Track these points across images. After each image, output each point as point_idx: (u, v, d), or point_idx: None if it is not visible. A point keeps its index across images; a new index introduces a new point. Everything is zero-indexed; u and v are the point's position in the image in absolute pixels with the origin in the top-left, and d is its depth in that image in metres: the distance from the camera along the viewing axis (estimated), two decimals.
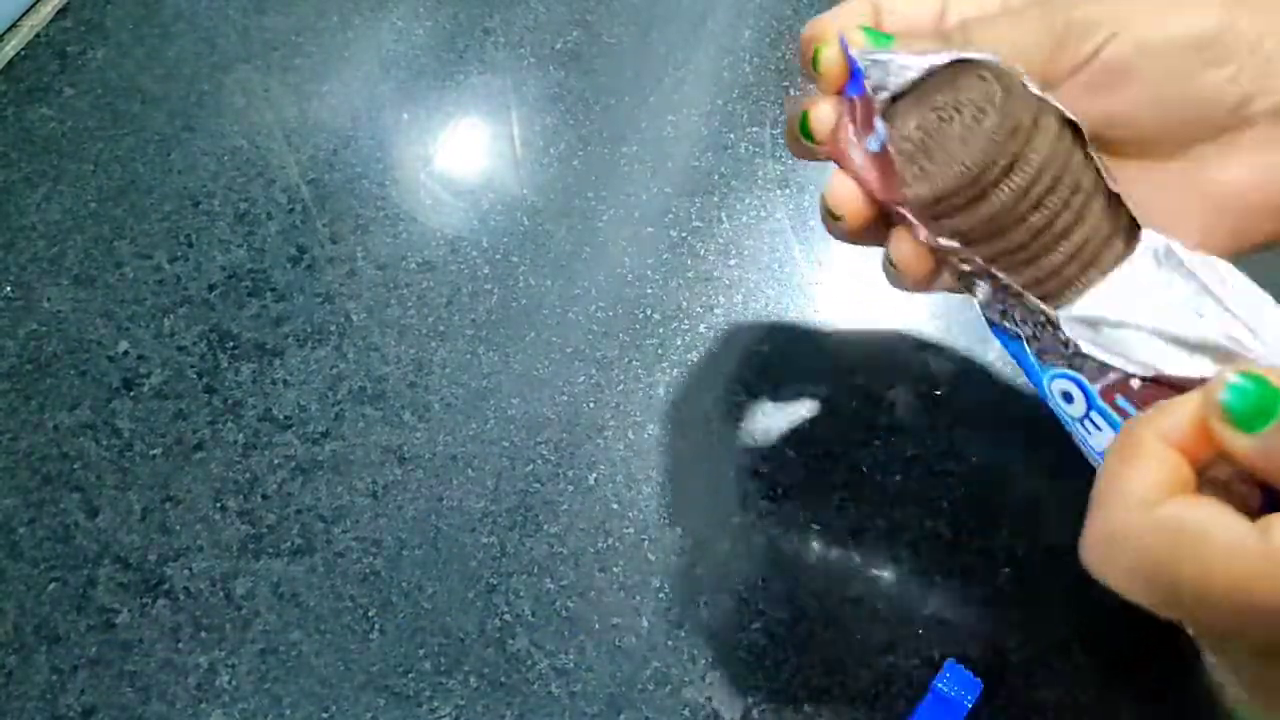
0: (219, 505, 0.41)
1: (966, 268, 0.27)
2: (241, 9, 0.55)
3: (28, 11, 0.54)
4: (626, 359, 0.44)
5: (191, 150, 0.50)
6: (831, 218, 0.28)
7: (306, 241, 0.47)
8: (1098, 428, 0.27)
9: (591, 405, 0.43)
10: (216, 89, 0.52)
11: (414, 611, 0.38)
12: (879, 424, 0.41)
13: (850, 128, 0.27)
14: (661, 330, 0.44)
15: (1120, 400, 0.26)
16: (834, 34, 0.28)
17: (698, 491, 0.41)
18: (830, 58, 0.27)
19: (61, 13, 0.54)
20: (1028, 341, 0.27)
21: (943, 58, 0.25)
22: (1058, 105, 0.25)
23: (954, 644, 0.37)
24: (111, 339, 0.45)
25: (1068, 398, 0.27)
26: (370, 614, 0.38)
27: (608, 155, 0.49)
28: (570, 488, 0.41)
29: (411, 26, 0.54)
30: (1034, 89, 0.25)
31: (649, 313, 0.45)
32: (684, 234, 0.46)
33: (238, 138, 0.50)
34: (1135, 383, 0.25)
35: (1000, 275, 0.26)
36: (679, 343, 0.44)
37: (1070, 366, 0.26)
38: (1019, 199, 0.24)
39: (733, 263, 0.45)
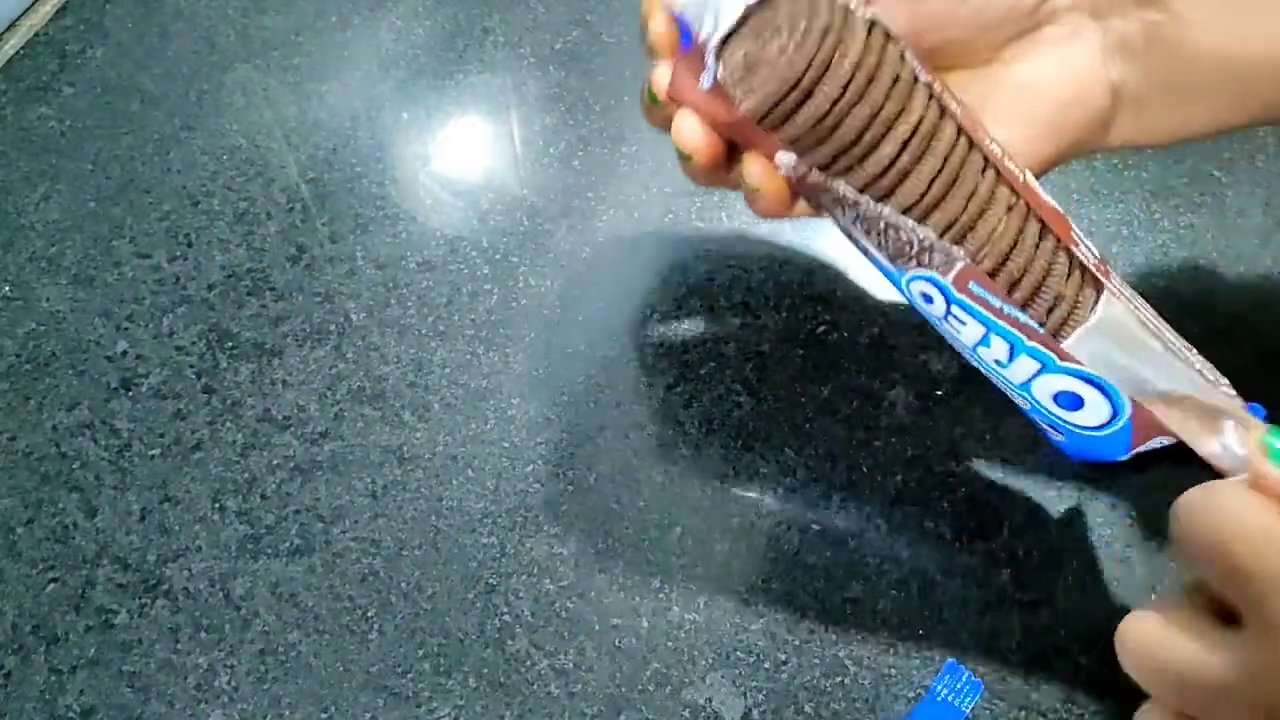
0: (218, 505, 0.41)
1: (810, 179, 0.28)
2: (241, 8, 0.55)
3: (27, 10, 0.54)
4: (626, 358, 0.44)
5: (191, 149, 0.50)
6: (683, 159, 0.30)
7: (306, 241, 0.47)
8: (961, 322, 0.28)
9: (591, 405, 0.42)
10: (216, 88, 0.52)
11: (413, 612, 0.38)
12: (879, 424, 0.41)
13: (688, 77, 0.29)
14: (661, 330, 0.44)
15: (974, 287, 0.27)
16: (659, 4, 0.30)
17: (698, 491, 0.41)
18: (656, 25, 0.30)
19: (61, 12, 0.54)
20: (880, 249, 0.29)
21: None
22: (868, 12, 0.27)
23: (954, 644, 0.37)
24: (110, 339, 0.44)
25: (927, 299, 0.29)
26: (369, 614, 0.38)
27: (608, 155, 0.49)
28: (570, 488, 0.41)
29: (411, 26, 0.54)
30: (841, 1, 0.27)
31: (649, 312, 0.45)
32: (685, 234, 0.46)
33: (237, 137, 0.50)
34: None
35: (838, 182, 0.28)
36: (679, 342, 0.44)
37: (919, 264, 0.28)
38: (839, 92, 0.26)
39: (732, 263, 0.45)
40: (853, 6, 0.27)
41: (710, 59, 0.28)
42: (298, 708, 0.37)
